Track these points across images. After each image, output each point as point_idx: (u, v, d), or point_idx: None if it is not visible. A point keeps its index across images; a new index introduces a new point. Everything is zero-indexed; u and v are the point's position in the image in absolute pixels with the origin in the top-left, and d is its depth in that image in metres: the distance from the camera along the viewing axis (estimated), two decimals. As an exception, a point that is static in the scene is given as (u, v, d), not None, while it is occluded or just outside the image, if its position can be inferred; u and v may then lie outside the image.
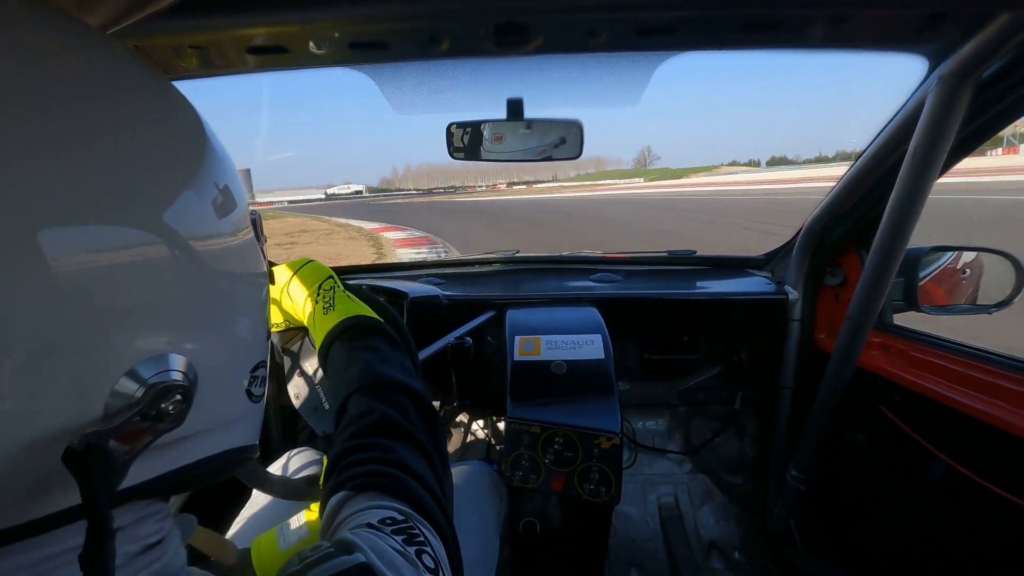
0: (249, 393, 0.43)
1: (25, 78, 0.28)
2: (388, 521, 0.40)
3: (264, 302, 0.46)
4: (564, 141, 0.90)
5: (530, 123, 0.88)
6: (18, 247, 0.26)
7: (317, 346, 0.70)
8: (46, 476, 0.29)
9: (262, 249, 0.46)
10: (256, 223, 0.44)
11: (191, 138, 0.38)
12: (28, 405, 0.27)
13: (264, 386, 0.45)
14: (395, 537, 0.39)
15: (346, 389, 0.57)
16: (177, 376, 0.33)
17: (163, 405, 0.31)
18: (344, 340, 0.66)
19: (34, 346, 0.27)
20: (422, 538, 0.40)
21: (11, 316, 0.26)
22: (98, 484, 0.27)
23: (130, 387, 0.31)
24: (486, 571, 0.87)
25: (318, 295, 0.73)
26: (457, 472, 1.05)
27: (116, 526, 0.32)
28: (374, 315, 0.70)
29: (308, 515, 0.66)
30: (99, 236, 0.29)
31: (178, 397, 0.32)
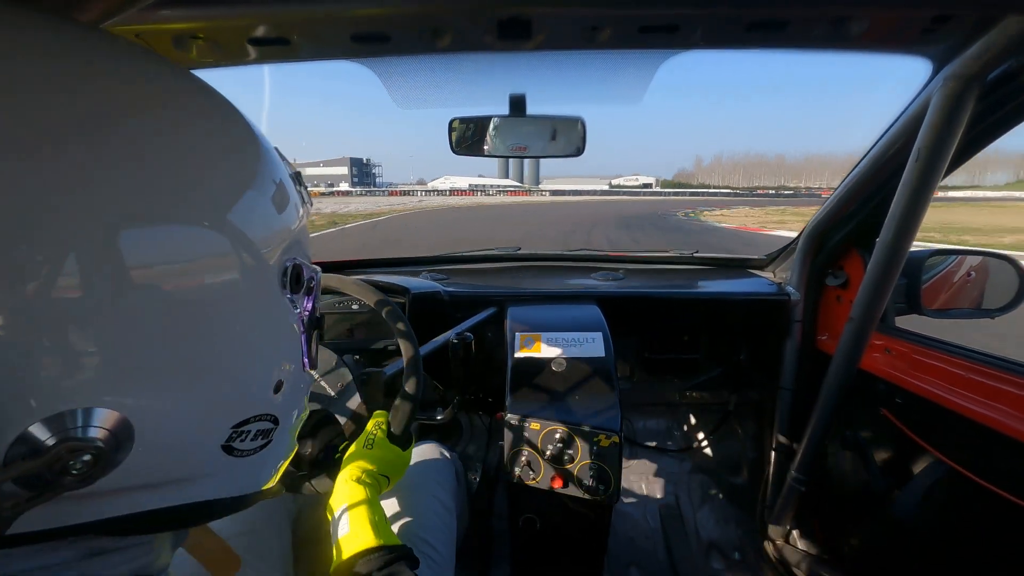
0: (229, 448, 0.39)
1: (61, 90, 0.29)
2: None
3: (285, 344, 0.43)
4: (568, 138, 0.90)
5: (533, 119, 0.88)
6: None
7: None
8: None
9: (307, 281, 0.43)
10: (291, 272, 0.42)
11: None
12: None
13: (263, 439, 0.42)
14: None
15: None
16: (96, 434, 0.30)
17: (70, 463, 0.29)
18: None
19: None
20: None
21: None
22: None
23: (33, 440, 0.28)
24: (447, 548, 0.85)
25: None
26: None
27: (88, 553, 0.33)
28: (390, 537, 0.65)
29: None
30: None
31: (87, 458, 0.29)
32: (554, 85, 0.84)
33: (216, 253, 0.34)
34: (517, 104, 0.84)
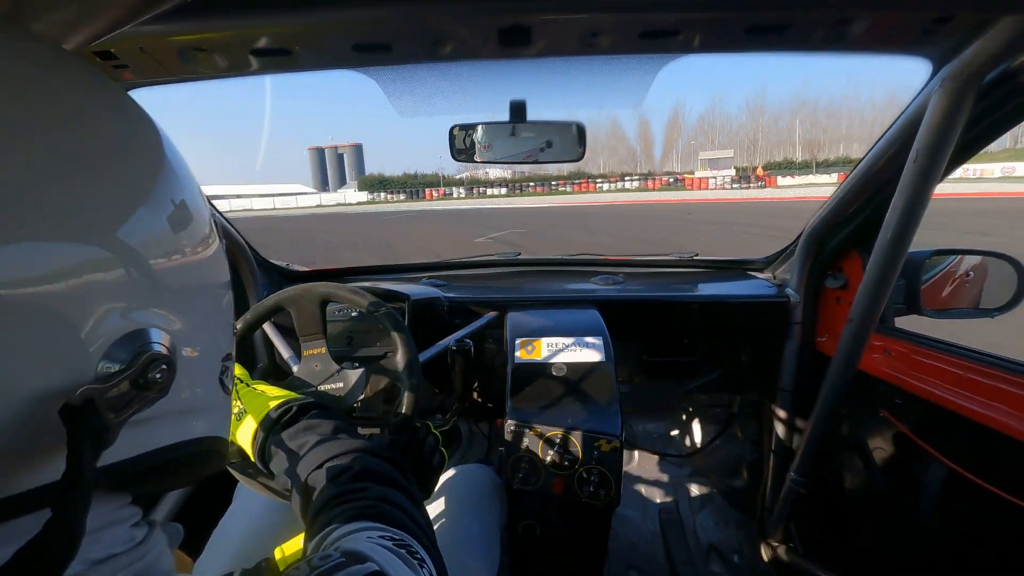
0: (221, 382, 0.43)
1: None
2: (386, 538, 0.41)
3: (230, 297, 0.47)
4: (568, 142, 0.90)
5: (533, 125, 0.88)
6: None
7: (250, 450, 0.70)
8: (32, 445, 0.30)
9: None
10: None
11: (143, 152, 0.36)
12: (20, 369, 0.29)
13: (232, 380, 0.47)
14: (398, 549, 0.39)
15: (309, 467, 0.59)
16: (162, 348, 0.34)
17: (151, 374, 0.33)
18: (280, 431, 0.66)
19: (29, 319, 0.28)
20: (420, 555, 0.41)
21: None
22: (87, 440, 0.29)
23: (120, 354, 0.32)
24: (487, 575, 0.87)
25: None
26: (457, 475, 1.04)
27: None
28: (288, 395, 0.73)
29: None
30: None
31: (164, 367, 0.34)
32: (554, 91, 0.84)
33: None
34: (517, 110, 0.84)
